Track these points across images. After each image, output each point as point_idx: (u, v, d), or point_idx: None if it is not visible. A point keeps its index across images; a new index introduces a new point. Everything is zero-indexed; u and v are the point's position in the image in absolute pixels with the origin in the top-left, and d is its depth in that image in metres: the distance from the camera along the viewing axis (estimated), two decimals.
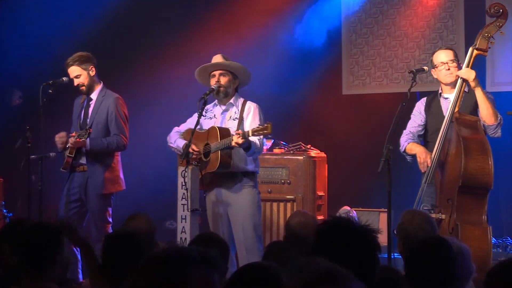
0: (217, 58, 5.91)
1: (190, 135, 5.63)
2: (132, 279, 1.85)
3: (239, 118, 5.78)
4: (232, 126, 5.76)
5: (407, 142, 5.63)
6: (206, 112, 5.93)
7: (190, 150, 5.64)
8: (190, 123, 5.94)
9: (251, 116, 5.78)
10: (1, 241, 3.78)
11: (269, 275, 2.58)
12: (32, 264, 3.19)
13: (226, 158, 5.63)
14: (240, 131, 5.51)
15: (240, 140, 5.40)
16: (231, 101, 5.86)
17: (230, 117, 5.83)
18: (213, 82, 5.83)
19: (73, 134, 6.11)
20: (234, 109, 5.84)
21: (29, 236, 3.28)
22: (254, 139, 5.55)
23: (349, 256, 2.38)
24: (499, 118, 5.40)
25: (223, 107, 5.89)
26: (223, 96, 5.83)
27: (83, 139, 6.03)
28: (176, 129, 6.00)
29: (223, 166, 5.63)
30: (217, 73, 5.83)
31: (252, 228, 5.68)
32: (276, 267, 2.60)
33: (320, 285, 1.83)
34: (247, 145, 5.52)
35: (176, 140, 5.90)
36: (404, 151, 5.64)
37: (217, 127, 5.71)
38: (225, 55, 5.95)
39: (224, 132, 5.66)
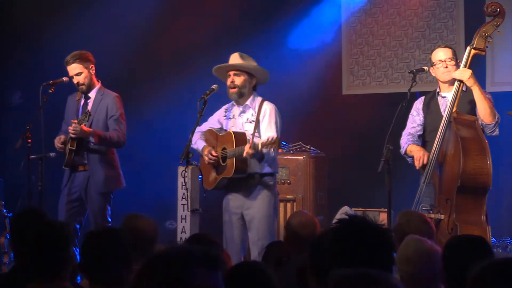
0: (234, 57, 5.87)
1: (190, 134, 5.65)
2: (134, 280, 1.82)
3: (255, 120, 5.75)
4: (249, 129, 5.74)
5: (407, 144, 5.61)
6: (226, 112, 5.93)
7: (206, 152, 5.68)
8: (212, 122, 5.96)
9: (266, 119, 5.74)
10: (17, 230, 3.76)
11: (256, 273, 2.60)
12: (45, 264, 3.16)
13: (242, 165, 5.63)
14: (250, 143, 5.50)
15: (251, 151, 5.42)
16: (248, 102, 5.82)
17: (247, 119, 5.80)
18: (228, 82, 5.81)
19: (74, 121, 6.04)
20: (250, 111, 5.81)
21: (38, 235, 3.24)
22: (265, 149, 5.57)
23: (366, 256, 2.36)
24: (497, 117, 5.37)
25: (240, 108, 5.85)
26: (237, 97, 5.79)
27: (88, 128, 5.98)
28: (198, 129, 5.92)
29: (238, 172, 5.64)
30: (231, 73, 5.81)
31: (267, 229, 5.68)
32: (263, 264, 2.62)
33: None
34: (259, 157, 5.57)
35: (196, 141, 5.88)
36: (405, 153, 5.63)
37: (233, 132, 5.71)
38: (243, 54, 5.89)
39: (240, 138, 5.66)
